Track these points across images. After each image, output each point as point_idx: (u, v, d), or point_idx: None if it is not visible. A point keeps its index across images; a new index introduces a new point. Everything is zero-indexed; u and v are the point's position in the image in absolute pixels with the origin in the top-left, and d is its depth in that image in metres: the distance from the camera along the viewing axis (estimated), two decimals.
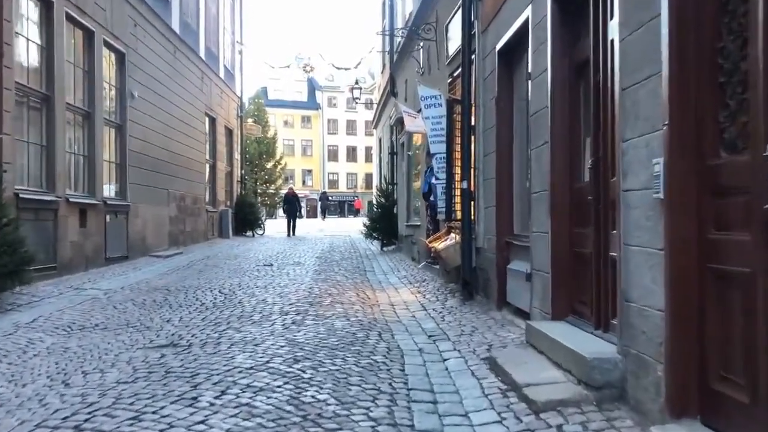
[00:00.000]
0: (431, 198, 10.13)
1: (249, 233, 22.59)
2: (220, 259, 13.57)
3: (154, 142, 14.07)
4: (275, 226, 30.29)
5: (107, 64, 11.87)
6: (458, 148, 7.64)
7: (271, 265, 12.15)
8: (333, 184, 76.38)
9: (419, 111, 9.65)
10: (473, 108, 7.29)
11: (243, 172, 23.66)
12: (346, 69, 21.03)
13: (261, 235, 22.83)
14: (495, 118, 6.61)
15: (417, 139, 12.86)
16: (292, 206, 23.87)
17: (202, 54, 18.11)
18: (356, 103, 24.78)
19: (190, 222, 16.76)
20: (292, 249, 15.93)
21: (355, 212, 67.21)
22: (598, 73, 4.16)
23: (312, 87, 77.31)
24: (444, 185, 7.55)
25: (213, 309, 7.06)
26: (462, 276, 7.33)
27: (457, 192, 7.55)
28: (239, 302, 7.49)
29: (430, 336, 5.66)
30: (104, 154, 11.59)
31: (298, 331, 5.80)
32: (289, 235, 21.84)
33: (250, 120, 24.54)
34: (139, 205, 13.03)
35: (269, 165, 52.09)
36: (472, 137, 7.26)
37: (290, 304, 7.28)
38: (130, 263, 12.12)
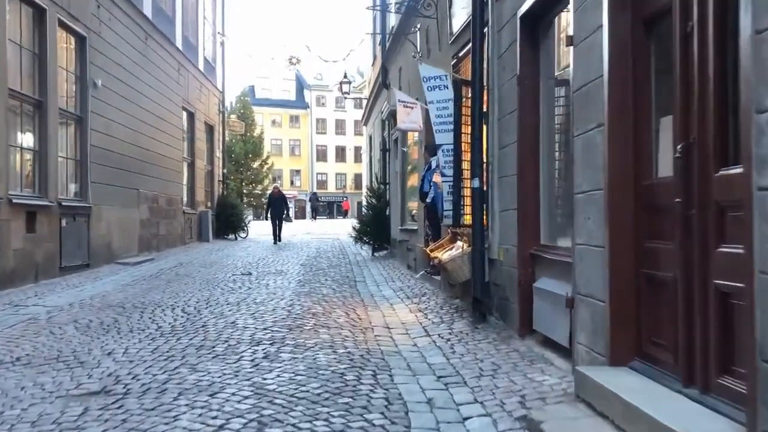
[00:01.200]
0: (428, 199, 8.89)
1: (231, 236, 21.22)
2: (195, 266, 12.24)
3: (122, 137, 12.72)
4: (261, 228, 28.94)
5: (64, 49, 10.52)
6: (465, 139, 6.39)
7: (250, 274, 10.85)
8: (322, 184, 75.01)
9: (417, 99, 8.40)
10: (485, 92, 6.04)
11: (225, 171, 22.29)
12: (334, 62, 19.83)
13: (244, 238, 21.47)
14: (516, 101, 5.36)
15: (412, 134, 11.61)
16: (278, 208, 20.03)
17: (178, 44, 16.75)
18: (345, 98, 23.46)
19: (164, 225, 15.41)
20: (275, 255, 14.62)
21: (344, 213, 65.94)
22: (688, 21, 2.91)
23: (300, 86, 75.96)
24: (451, 183, 6.29)
25: (169, 335, 5.75)
26: (473, 294, 6.07)
27: (466, 192, 6.29)
28: (203, 326, 6.19)
29: (439, 377, 4.39)
30: (60, 150, 10.25)
31: (270, 371, 4.51)
32: (275, 241, 18.73)
33: (233, 116, 23.09)
34: (103, 207, 11.68)
35: (255, 164, 50.69)
36: (484, 126, 6.01)
37: (264, 329, 5.99)
38: (91, 272, 10.77)
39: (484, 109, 6.04)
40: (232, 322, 6.31)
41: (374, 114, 19.23)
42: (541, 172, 5.25)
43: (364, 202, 15.45)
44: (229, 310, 7.00)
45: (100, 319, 6.59)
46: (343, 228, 28.93)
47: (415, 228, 10.43)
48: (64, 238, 10.07)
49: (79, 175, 11.01)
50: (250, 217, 47.52)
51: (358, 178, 69.82)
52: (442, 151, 6.36)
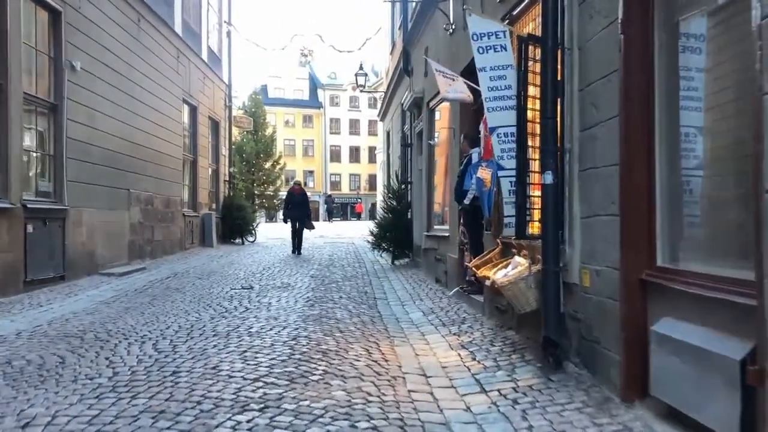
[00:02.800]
0: (466, 201, 7.21)
1: (238, 240, 19.67)
2: (190, 277, 10.65)
3: (109, 130, 11.17)
4: (271, 231, 27.35)
5: (32, 23, 8.97)
6: (526, 118, 4.70)
7: (251, 288, 9.23)
8: (335, 185, 73.58)
9: (454, 79, 6.73)
10: (559, 53, 4.37)
11: (232, 170, 20.71)
12: (348, 52, 18.12)
13: (252, 242, 19.92)
14: (619, 59, 3.68)
15: (442, 122, 9.92)
16: (298, 209, 15.62)
17: (177, 29, 15.20)
18: (361, 91, 21.80)
19: (160, 229, 13.85)
20: (282, 263, 13.00)
21: (357, 216, 64.40)
22: None
23: (314, 85, 74.63)
24: (513, 180, 4.61)
25: (123, 391, 4.12)
26: (544, 332, 4.39)
27: (532, 191, 4.61)
28: (174, 373, 4.55)
29: None
30: (25, 142, 8.70)
31: None
32: (293, 251, 15.13)
33: (240, 111, 21.52)
34: (84, 210, 10.12)
35: (267, 165, 49.21)
36: (563, 102, 4.34)
37: (256, 379, 4.33)
38: (66, 286, 9.21)
39: (559, 78, 4.36)
40: (213, 367, 4.66)
41: (393, 106, 17.57)
42: (657, 160, 3.55)
43: (382, 204, 13.79)
44: (214, 346, 5.36)
45: (44, 359, 4.98)
46: (357, 230, 27.30)
47: (446, 235, 8.76)
48: (31, 247, 8.50)
49: (52, 172, 9.46)
50: (262, 219, 46.05)
51: (372, 179, 68.33)
52: (498, 135, 4.67)
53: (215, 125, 19.44)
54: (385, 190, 14.35)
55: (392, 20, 16.82)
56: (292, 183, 18.16)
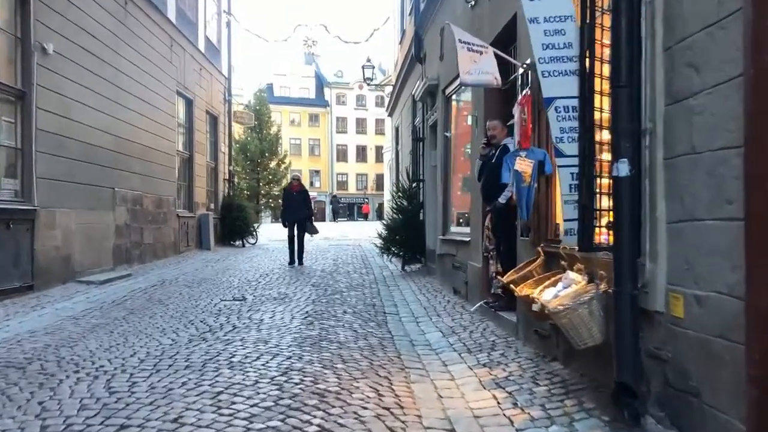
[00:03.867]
0: (502, 199, 6.07)
1: (238, 242, 18.59)
2: (178, 285, 9.56)
3: (90, 122, 10.09)
4: (273, 231, 26.23)
5: None
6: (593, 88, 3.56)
7: (243, 299, 8.13)
8: (342, 185, 72.48)
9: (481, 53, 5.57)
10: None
11: (232, 168, 19.60)
12: (355, 43, 17.04)
13: (253, 244, 18.83)
14: None
15: (462, 110, 8.79)
16: (297, 210, 12.65)
17: (170, 15, 14.11)
18: (368, 84, 20.68)
19: (150, 232, 12.76)
20: (282, 269, 11.88)
21: (364, 216, 63.30)
22: None
23: (320, 83, 73.60)
24: (575, 172, 3.46)
25: None
26: (616, 375, 3.25)
27: (598, 186, 3.46)
28: (119, 430, 3.43)
29: None
30: None
31: None
32: (291, 261, 12.42)
33: (241, 106, 20.42)
34: (58, 210, 9.04)
35: (273, 164, 48.11)
36: (642, 65, 3.19)
37: None
38: (33, 297, 8.12)
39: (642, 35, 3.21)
40: (174, 420, 3.53)
41: (402, 99, 16.42)
42: None
43: (392, 204, 12.65)
44: (183, 384, 4.23)
45: None
46: (363, 231, 26.16)
47: (467, 239, 7.60)
48: None
49: (19, 168, 8.37)
50: (267, 220, 44.94)
51: (379, 178, 67.21)
52: (557, 110, 3.53)
53: (214, 120, 18.35)
54: (395, 189, 13.21)
55: (402, 6, 15.69)
56: (290, 179, 15.03)
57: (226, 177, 19.28)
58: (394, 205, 11.73)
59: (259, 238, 19.65)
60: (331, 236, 23.30)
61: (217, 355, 4.97)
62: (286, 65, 73.09)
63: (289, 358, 4.89)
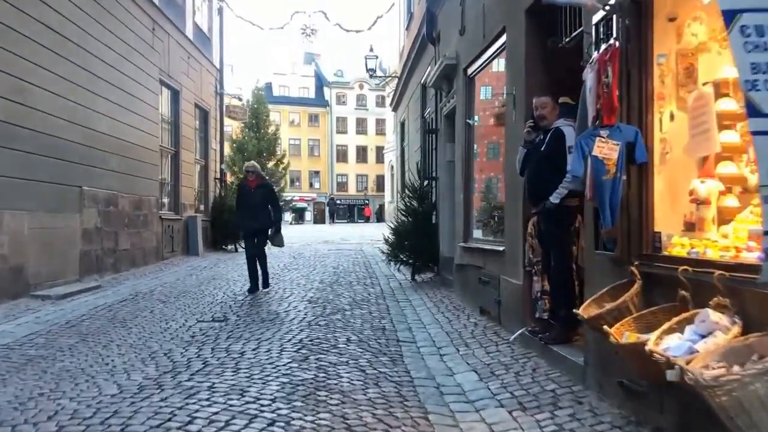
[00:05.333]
0: (546, 199, 4.67)
1: (230, 247, 17.10)
2: (152, 301, 8.13)
3: (51, 110, 8.66)
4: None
5: None
6: None
7: (224, 320, 6.69)
8: (342, 186, 71.05)
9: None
10: None
11: (223, 167, 18.13)
12: (357, 31, 15.57)
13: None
14: None
15: (489, 90, 7.35)
16: (253, 212, 8.85)
17: None
18: (371, 76, 19.25)
19: (127, 236, 11.30)
20: (275, 278, 10.40)
21: (365, 219, 61.92)
22: None
23: (320, 83, 72.24)
24: None
25: None
26: None
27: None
28: None
29: None
30: None
31: None
32: (254, 287, 8.71)
33: (234, 100, 18.97)
34: (5, 212, 7.59)
35: (270, 164, 46.59)
36: None
37: None
38: None
39: None
40: None
41: (409, 91, 14.97)
42: None
43: (398, 206, 11.22)
44: None
45: None
46: (365, 234, 24.73)
47: (499, 248, 6.14)
48: None
49: None
50: None
51: (380, 179, 65.86)
52: (743, 30, 2.08)
53: (204, 115, 16.90)
54: (401, 189, 11.76)
55: None
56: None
57: (217, 176, 17.81)
58: (403, 207, 10.27)
59: None
60: (330, 240, 21.85)
61: (169, 420, 3.50)
62: (286, 64, 71.79)
63: (272, 424, 3.43)
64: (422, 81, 12.30)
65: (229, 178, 24.36)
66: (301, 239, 21.89)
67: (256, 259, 8.94)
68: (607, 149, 3.35)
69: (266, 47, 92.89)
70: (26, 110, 8.07)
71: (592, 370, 3.89)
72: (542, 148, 4.81)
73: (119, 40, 11.02)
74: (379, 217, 59.38)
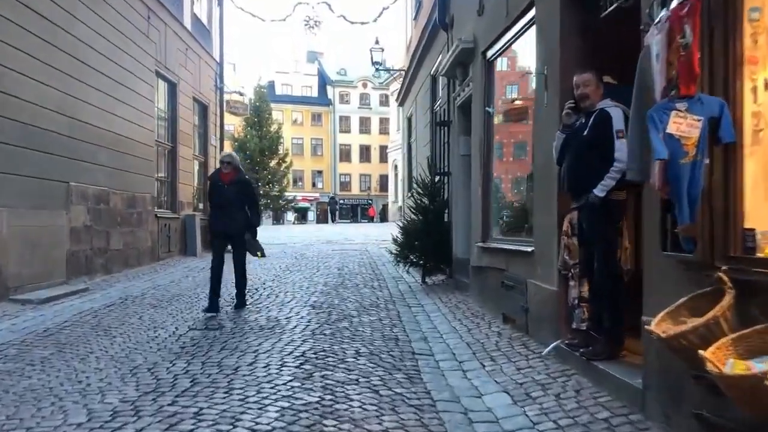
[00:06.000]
0: (590, 192, 4.02)
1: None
2: (142, 305, 7.49)
3: (33, 99, 8.02)
4: (276, 234, 24.15)
5: None
6: None
7: (220, 327, 6.05)
8: (345, 186, 70.39)
9: None
10: None
11: None
12: (362, 23, 14.87)
13: None
14: None
15: (512, 73, 6.69)
16: (228, 212, 7.21)
17: None
18: (377, 69, 18.59)
19: (119, 235, 10.65)
20: (277, 280, 9.76)
21: (369, 219, 61.26)
22: None
23: (323, 81, 71.56)
24: None
25: None
26: None
27: None
28: None
29: None
30: None
31: None
32: (213, 307, 6.93)
33: (234, 94, 18.32)
34: None
35: (273, 163, 46.08)
36: None
37: None
38: None
39: None
40: None
41: (417, 83, 14.30)
42: None
43: (409, 203, 10.57)
44: None
45: None
46: (369, 234, 24.05)
47: (527, 249, 5.46)
48: None
49: None
50: (268, 221, 42.75)
51: (383, 179, 65.22)
52: None
53: (203, 110, 16.24)
54: (413, 185, 11.09)
55: None
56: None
57: None
58: (413, 204, 9.60)
59: None
60: (334, 240, 21.19)
61: None
62: (288, 63, 71.20)
63: None
64: (432, 72, 11.64)
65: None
66: (303, 239, 21.26)
67: (236, 270, 7.41)
68: (685, 126, 2.69)
69: (268, 42, 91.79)
70: (6, 98, 7.44)
71: (656, 395, 3.23)
72: (584, 133, 4.14)
73: (112, 28, 10.37)
74: (383, 217, 58.73)
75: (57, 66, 8.60)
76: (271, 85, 65.64)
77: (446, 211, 9.55)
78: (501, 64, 6.86)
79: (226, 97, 17.54)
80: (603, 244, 4.05)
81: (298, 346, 5.23)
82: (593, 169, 4.01)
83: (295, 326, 6.10)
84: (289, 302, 7.58)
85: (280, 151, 47.89)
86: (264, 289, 8.73)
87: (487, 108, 6.89)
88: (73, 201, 9.08)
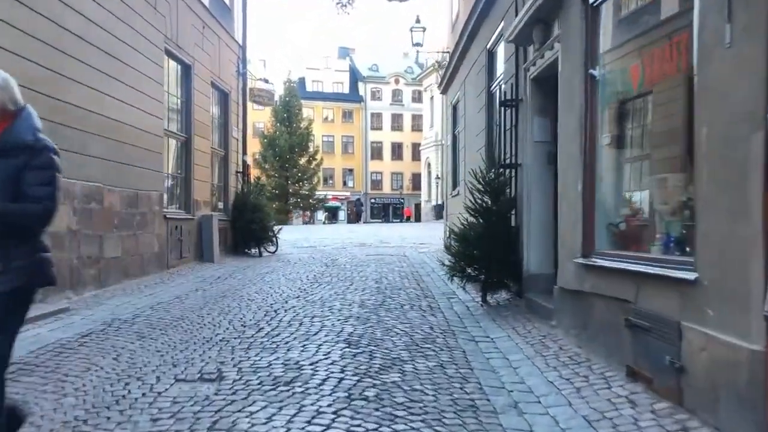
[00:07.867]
0: None
1: (254, 251, 14.77)
2: (125, 336, 5.75)
3: (10, 74, 6.30)
4: (305, 234, 22.48)
5: None
6: None
7: (218, 377, 4.22)
8: (376, 184, 68.68)
9: None
10: None
11: (246, 158, 15.72)
12: (400, 0, 13.03)
13: (272, 253, 15.00)
14: None
15: (636, 18, 4.72)
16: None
17: None
18: (418, 51, 16.77)
19: (117, 241, 8.96)
20: (302, 297, 7.93)
21: (406, 219, 59.55)
22: None
23: (354, 77, 70.07)
24: None
25: None
26: None
27: None
28: None
29: None
30: None
31: None
32: None
33: (259, 82, 16.58)
34: None
35: (303, 161, 44.53)
36: None
37: None
38: None
39: None
40: None
41: (467, 64, 12.32)
42: None
43: (468, 204, 8.65)
44: None
45: None
46: (405, 236, 22.20)
47: (685, 275, 3.50)
48: None
49: None
50: (298, 220, 41.24)
51: (416, 177, 63.46)
52: None
53: (224, 97, 14.56)
54: (453, 181, 9.15)
55: None
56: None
57: (239, 169, 15.46)
58: (470, 205, 7.68)
59: (281, 244, 15.79)
60: (367, 242, 19.36)
61: None
62: (320, 59, 69.85)
63: None
64: (488, 46, 9.71)
65: (255, 174, 22.10)
66: (334, 241, 19.50)
67: None
68: None
69: (299, 37, 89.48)
70: None
71: None
72: None
73: None
74: (417, 217, 56.86)
75: (37, 35, 6.92)
76: (302, 82, 64.36)
77: (512, 212, 7.62)
78: (607, 10, 4.90)
79: (249, 84, 15.82)
80: None
81: (329, 425, 3.37)
82: None
83: (324, 380, 4.24)
84: (315, 334, 5.72)
85: (311, 149, 46.27)
86: (285, 311, 6.91)
87: (591, 70, 4.94)
88: (59, 200, 7.38)
